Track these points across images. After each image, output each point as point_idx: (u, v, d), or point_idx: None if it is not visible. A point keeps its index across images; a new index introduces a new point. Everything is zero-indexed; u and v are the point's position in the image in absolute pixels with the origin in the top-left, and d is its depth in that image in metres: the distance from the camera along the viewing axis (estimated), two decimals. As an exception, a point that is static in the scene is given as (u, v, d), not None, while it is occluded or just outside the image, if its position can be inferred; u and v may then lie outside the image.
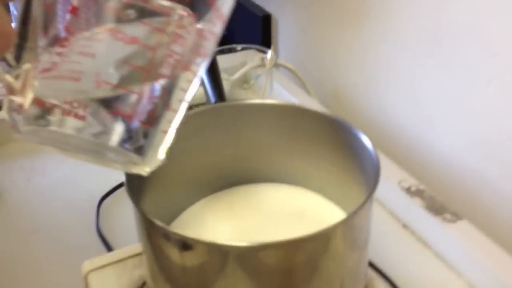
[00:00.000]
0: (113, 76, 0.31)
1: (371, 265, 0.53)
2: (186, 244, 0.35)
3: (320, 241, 0.36)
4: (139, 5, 0.31)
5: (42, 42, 0.31)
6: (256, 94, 0.75)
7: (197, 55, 0.33)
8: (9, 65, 0.31)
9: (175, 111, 0.34)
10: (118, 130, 0.32)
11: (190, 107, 0.36)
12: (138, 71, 0.31)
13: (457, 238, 0.53)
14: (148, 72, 0.31)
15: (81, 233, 0.60)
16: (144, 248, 0.40)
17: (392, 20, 0.68)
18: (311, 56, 0.88)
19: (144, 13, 0.31)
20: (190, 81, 0.34)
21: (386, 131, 0.76)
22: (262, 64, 0.72)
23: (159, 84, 0.32)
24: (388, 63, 0.71)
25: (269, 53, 0.71)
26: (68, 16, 0.31)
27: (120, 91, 0.31)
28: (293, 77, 0.86)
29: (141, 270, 0.49)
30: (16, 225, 0.62)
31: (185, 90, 0.33)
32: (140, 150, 0.33)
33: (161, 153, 0.34)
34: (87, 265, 0.49)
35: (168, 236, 0.36)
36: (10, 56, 0.31)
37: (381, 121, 0.76)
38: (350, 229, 0.38)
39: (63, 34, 0.31)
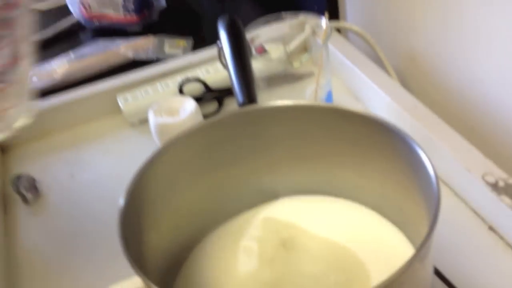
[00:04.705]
0: None
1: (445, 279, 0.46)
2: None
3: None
4: None
5: None
6: (316, 67, 0.67)
7: None
8: None
9: None
10: None
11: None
12: None
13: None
14: None
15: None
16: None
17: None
18: (382, 15, 0.81)
19: None
20: None
21: (471, 105, 0.67)
22: (314, 34, 0.62)
23: None
24: (478, 20, 0.61)
25: (323, 21, 0.61)
26: None
27: None
28: (362, 41, 0.79)
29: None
30: (55, 229, 0.60)
31: None
32: None
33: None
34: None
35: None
36: None
37: (466, 93, 0.67)
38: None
39: None
